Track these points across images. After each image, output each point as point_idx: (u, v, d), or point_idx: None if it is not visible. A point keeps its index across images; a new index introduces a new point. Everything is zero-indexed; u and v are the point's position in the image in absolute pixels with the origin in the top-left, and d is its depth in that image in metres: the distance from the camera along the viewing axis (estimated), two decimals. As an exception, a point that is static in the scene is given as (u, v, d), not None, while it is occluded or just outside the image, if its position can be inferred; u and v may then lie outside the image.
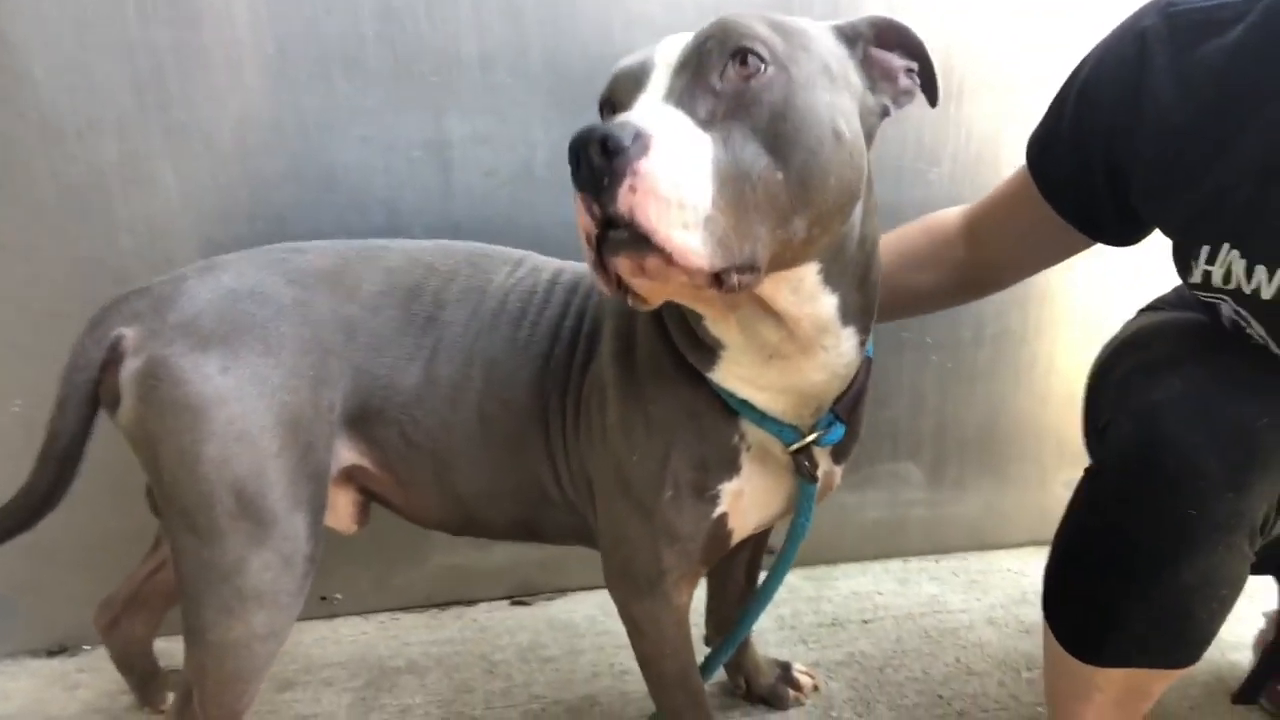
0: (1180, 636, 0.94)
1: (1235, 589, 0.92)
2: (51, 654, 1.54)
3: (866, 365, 0.97)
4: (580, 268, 1.10)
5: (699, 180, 0.66)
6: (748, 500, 0.97)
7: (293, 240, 1.11)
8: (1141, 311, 1.19)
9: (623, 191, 0.64)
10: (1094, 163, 0.99)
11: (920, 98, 0.87)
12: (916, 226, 1.20)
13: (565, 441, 1.04)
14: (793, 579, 1.70)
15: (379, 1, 1.27)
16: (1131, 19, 0.96)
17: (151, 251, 1.32)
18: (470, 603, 1.66)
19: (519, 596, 1.67)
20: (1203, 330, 0.99)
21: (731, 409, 0.92)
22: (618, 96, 0.77)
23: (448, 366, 1.05)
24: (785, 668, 1.39)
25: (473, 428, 1.06)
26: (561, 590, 1.67)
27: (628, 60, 0.79)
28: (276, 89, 1.29)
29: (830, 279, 0.83)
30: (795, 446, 0.93)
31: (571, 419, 1.03)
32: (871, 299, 0.91)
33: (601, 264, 0.69)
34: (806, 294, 0.82)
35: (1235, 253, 0.87)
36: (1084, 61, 1.01)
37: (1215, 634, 0.95)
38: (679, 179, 0.65)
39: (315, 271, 1.05)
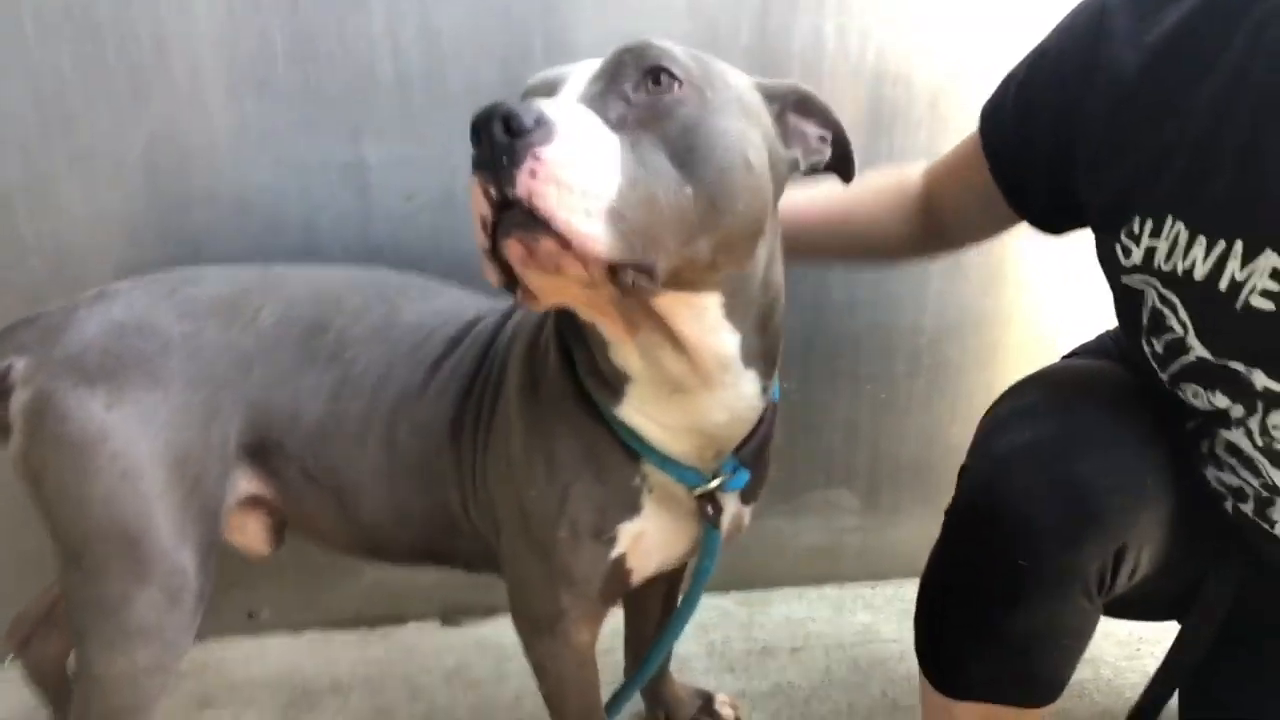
0: (1028, 678, 0.95)
1: (1079, 639, 0.94)
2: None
3: (772, 410, 0.96)
4: (501, 307, 1.09)
5: (603, 172, 0.66)
6: (650, 541, 0.96)
7: (208, 263, 1.09)
8: (1063, 358, 1.17)
9: (522, 174, 0.62)
10: (1038, 136, 0.98)
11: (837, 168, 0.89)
12: (887, 174, 1.17)
13: (474, 473, 1.03)
14: (726, 603, 1.69)
15: (290, 22, 1.23)
16: None
17: (60, 274, 1.30)
18: (400, 621, 1.65)
19: (450, 616, 1.66)
20: (1085, 378, 1.00)
21: (635, 452, 0.91)
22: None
23: (355, 402, 1.04)
24: (708, 699, 1.38)
25: (380, 462, 1.05)
26: (492, 610, 1.65)
27: (543, 72, 0.79)
28: (186, 110, 1.25)
29: (732, 315, 0.82)
30: (700, 491, 0.92)
31: (481, 450, 1.02)
32: (773, 345, 0.90)
33: (494, 252, 0.67)
34: (708, 325, 0.81)
35: (1180, 224, 0.85)
36: (1050, 31, 0.99)
37: (1067, 677, 0.97)
38: (583, 167, 0.64)
39: (208, 301, 1.03)
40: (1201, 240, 0.84)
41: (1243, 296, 0.82)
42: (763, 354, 0.88)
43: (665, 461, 0.91)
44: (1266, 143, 0.79)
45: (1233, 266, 0.82)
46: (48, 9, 1.18)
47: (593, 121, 0.68)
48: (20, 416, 0.96)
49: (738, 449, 0.93)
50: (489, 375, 1.03)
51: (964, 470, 0.99)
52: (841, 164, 0.89)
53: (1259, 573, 0.98)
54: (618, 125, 0.69)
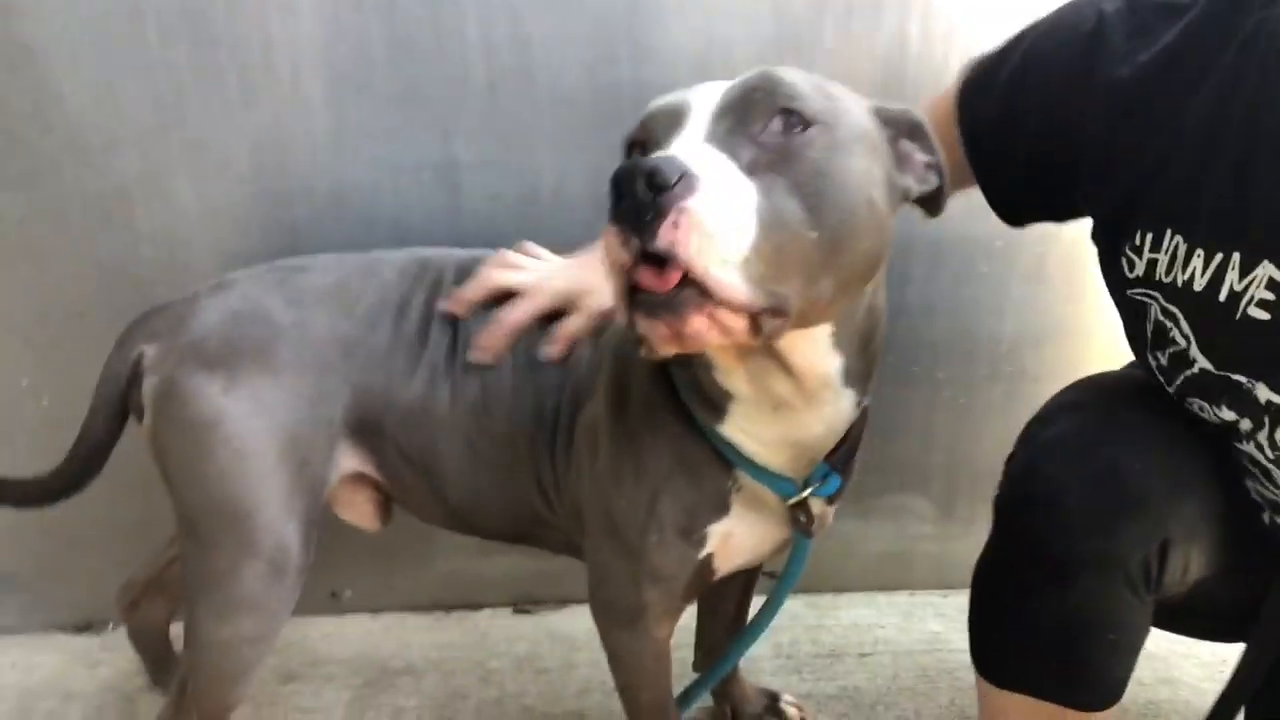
0: (1070, 673, 0.94)
1: (1125, 635, 0.93)
2: (78, 630, 1.63)
3: (863, 416, 0.97)
4: (569, 327, 1.08)
5: (742, 222, 0.66)
6: (738, 541, 0.98)
7: (304, 254, 1.15)
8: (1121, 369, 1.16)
9: (665, 227, 0.63)
10: (1023, 136, 0.98)
11: (928, 200, 0.86)
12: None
13: (556, 475, 1.06)
14: (795, 606, 1.69)
15: (389, 28, 1.29)
16: None
17: (170, 261, 1.38)
18: (475, 608, 1.69)
19: (522, 605, 1.70)
20: (1133, 383, 1.00)
21: (726, 459, 0.92)
22: (653, 136, 0.76)
23: (442, 389, 1.08)
24: (774, 698, 1.39)
25: (462, 451, 1.09)
26: (564, 601, 1.69)
27: (662, 100, 0.78)
28: (290, 110, 1.32)
29: (839, 341, 0.83)
30: (793, 501, 0.93)
31: (563, 456, 1.05)
32: (872, 365, 0.91)
33: (628, 298, 0.68)
34: (819, 352, 0.83)
35: (1179, 237, 0.86)
36: (1041, 20, 0.99)
37: (1119, 681, 0.96)
38: (724, 218, 0.65)
39: (314, 291, 1.09)
40: (1200, 253, 0.84)
41: (1241, 307, 0.82)
42: (861, 373, 0.89)
43: (760, 473, 0.92)
44: (1259, 155, 0.79)
45: (1231, 277, 0.83)
46: (167, 14, 1.26)
47: (729, 167, 0.68)
48: (150, 400, 1.03)
49: (829, 455, 0.93)
50: (575, 384, 1.05)
51: (1009, 460, 1.00)
52: (933, 201, 0.87)
53: None
54: (750, 170, 0.69)
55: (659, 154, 0.66)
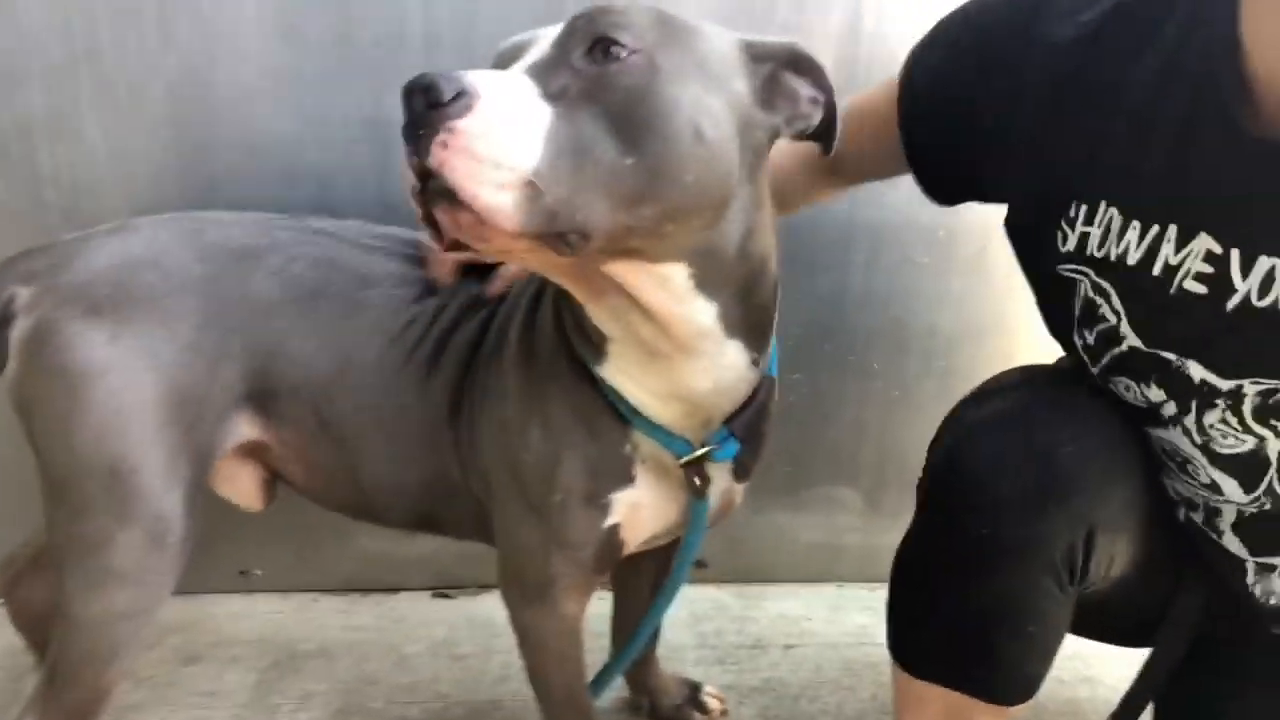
0: (986, 663, 0.92)
1: (1046, 630, 0.91)
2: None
3: (768, 384, 0.95)
4: (509, 269, 1.07)
5: (523, 144, 0.66)
6: (645, 512, 0.96)
7: (223, 208, 1.08)
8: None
9: (435, 145, 0.64)
10: (956, 82, 0.97)
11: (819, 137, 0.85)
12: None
13: (472, 434, 1.02)
14: (721, 595, 1.67)
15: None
16: None
17: (74, 207, 1.30)
18: (392, 590, 1.63)
19: (442, 588, 1.64)
20: (1064, 372, 1.00)
21: (624, 418, 0.90)
22: (498, 68, 0.76)
23: (367, 351, 1.03)
24: (694, 689, 1.36)
25: (384, 414, 1.04)
26: (485, 586, 1.63)
27: (519, 36, 0.79)
28: (212, 51, 1.25)
29: (704, 286, 0.81)
30: (685, 460, 0.91)
31: (478, 416, 1.01)
32: (761, 316, 0.89)
33: (429, 216, 0.69)
34: (676, 294, 0.80)
35: (1114, 210, 0.85)
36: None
37: (1035, 677, 0.94)
38: (498, 140, 0.65)
39: (235, 248, 1.02)
40: (1136, 225, 0.84)
41: (1176, 281, 0.82)
42: (749, 324, 0.87)
43: (653, 428, 0.90)
44: (1202, 124, 0.78)
45: (1166, 251, 0.82)
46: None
47: (524, 92, 0.69)
48: (20, 345, 0.94)
49: (729, 420, 0.91)
50: (491, 342, 1.02)
51: (933, 442, 0.98)
52: (826, 131, 0.85)
53: (1220, 589, 0.96)
54: (557, 96, 0.70)
55: (445, 71, 0.66)
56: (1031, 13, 0.90)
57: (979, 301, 1.53)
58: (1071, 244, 0.89)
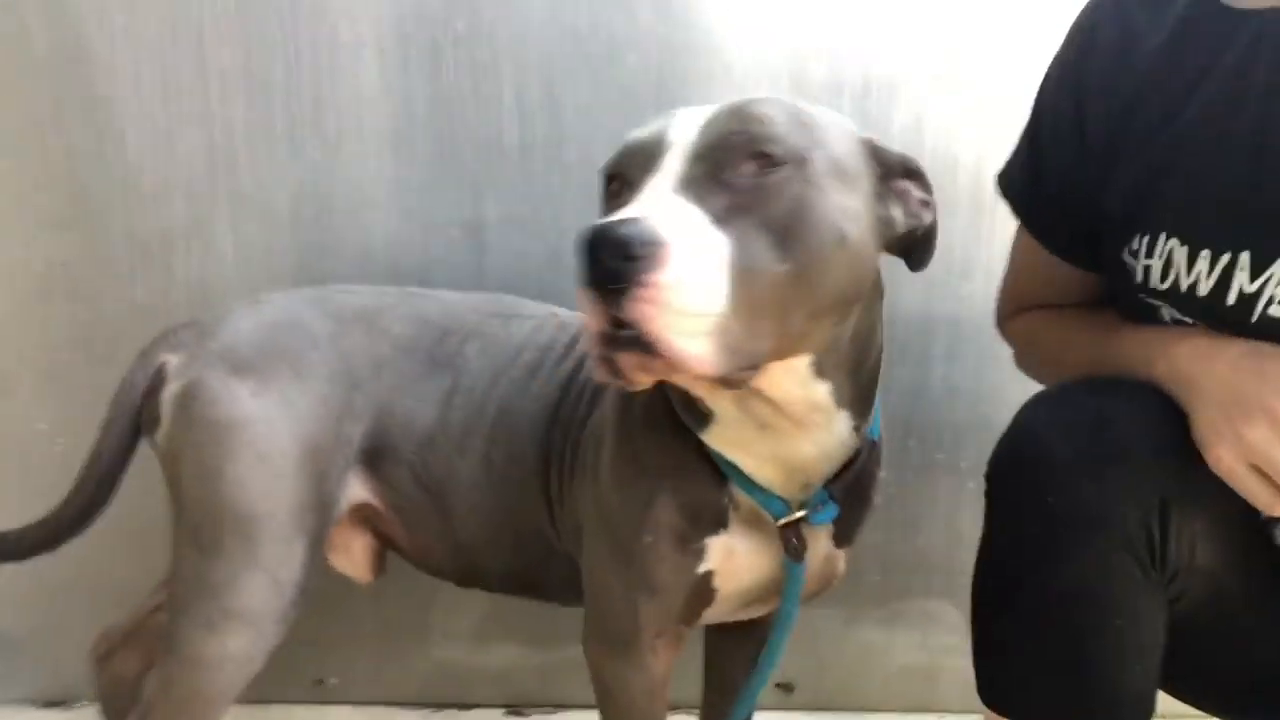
0: (1078, 670, 0.82)
1: (1135, 626, 0.82)
2: (50, 705, 1.54)
3: (870, 447, 0.94)
4: None
5: (714, 286, 0.67)
6: (739, 561, 0.93)
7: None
8: None
9: (633, 300, 0.64)
10: (1039, 142, 1.00)
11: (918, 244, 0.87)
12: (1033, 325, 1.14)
13: (563, 488, 1.04)
14: (811, 722, 1.55)
15: (432, 89, 1.38)
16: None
17: (203, 308, 1.40)
18: (465, 706, 1.58)
19: (516, 706, 1.58)
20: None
21: (722, 472, 0.90)
22: (628, 172, 0.77)
23: (461, 411, 1.08)
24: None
25: (478, 474, 1.07)
26: (560, 705, 1.57)
27: (640, 133, 0.80)
28: (332, 163, 1.39)
29: (822, 369, 0.82)
30: (784, 521, 0.89)
31: (570, 465, 1.03)
32: (866, 387, 0.89)
33: (604, 356, 0.69)
34: (797, 381, 0.81)
35: (1174, 241, 0.84)
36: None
37: (1138, 695, 0.83)
38: (693, 289, 0.65)
39: (354, 309, 1.11)
40: (1205, 254, 0.83)
41: (1259, 309, 0.80)
42: (856, 396, 0.87)
43: (751, 486, 0.89)
44: (1272, 152, 0.79)
45: (1240, 279, 0.81)
46: (230, 70, 1.36)
47: (700, 224, 0.68)
48: (171, 403, 1.03)
49: (829, 483, 0.90)
50: (580, 393, 1.05)
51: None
52: (929, 234, 0.86)
53: None
54: (723, 219, 0.69)
55: (630, 216, 0.66)
56: (1082, 54, 0.95)
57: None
58: (1139, 276, 0.89)
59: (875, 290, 0.86)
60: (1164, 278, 0.86)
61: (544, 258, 1.43)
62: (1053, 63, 1.01)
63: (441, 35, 1.36)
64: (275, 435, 1.01)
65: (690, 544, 0.91)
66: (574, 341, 1.10)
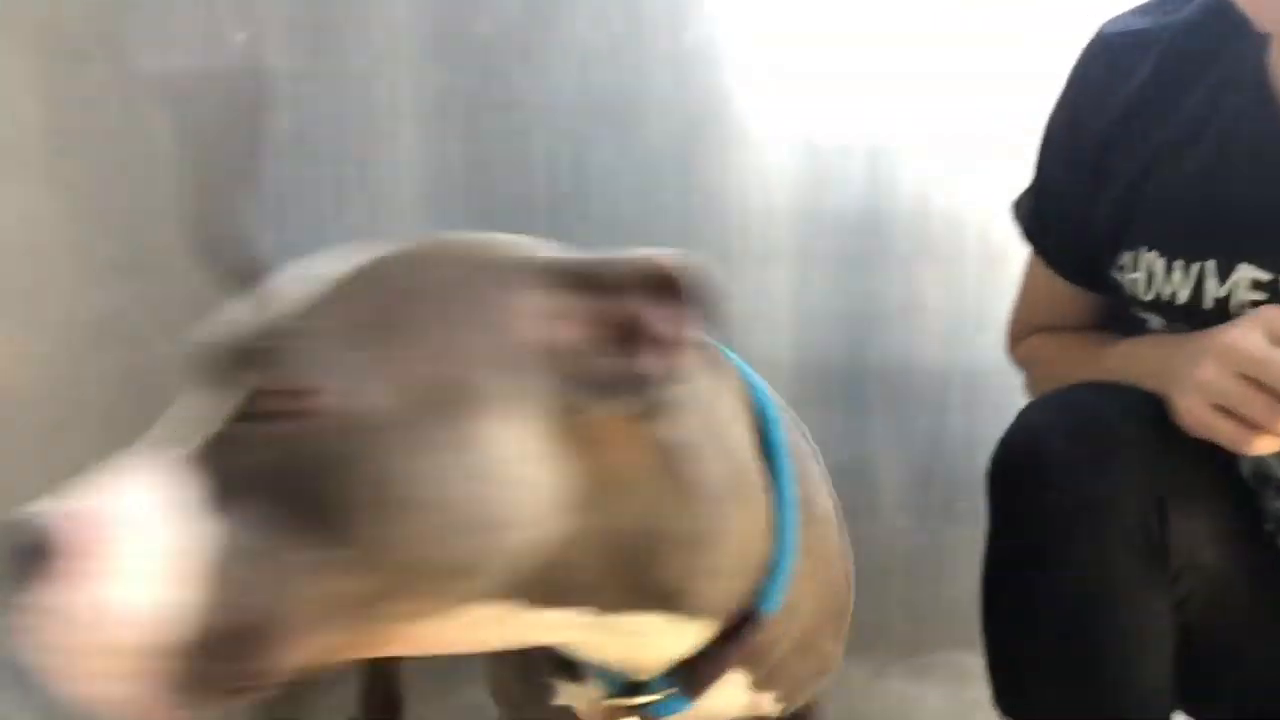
0: (1091, 669, 0.83)
1: (1142, 623, 0.83)
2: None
3: (753, 623, 0.66)
4: None
5: (148, 615, 0.44)
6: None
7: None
8: None
9: (38, 630, 0.43)
10: (1046, 173, 1.05)
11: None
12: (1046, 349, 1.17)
13: None
14: (840, 785, 1.51)
15: (470, 153, 1.47)
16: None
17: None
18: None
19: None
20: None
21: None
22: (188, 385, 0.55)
23: None
24: None
25: None
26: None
27: (208, 329, 0.56)
28: (376, 221, 1.48)
29: (554, 599, 0.56)
30: (612, 703, 0.67)
31: None
32: (680, 576, 0.60)
33: None
34: (527, 621, 0.56)
35: (1154, 254, 0.89)
36: None
37: (1149, 692, 0.84)
38: (105, 621, 0.43)
39: None
40: (1179, 264, 0.88)
41: (1231, 313, 0.85)
42: (654, 595, 0.60)
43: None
44: (1229, 161, 0.86)
45: (1210, 285, 0.86)
46: (281, 133, 1.46)
47: (167, 514, 0.45)
48: None
49: (678, 668, 0.66)
50: None
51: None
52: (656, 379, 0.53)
53: None
54: (224, 488, 0.46)
55: (35, 515, 0.45)
56: (1075, 93, 1.02)
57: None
58: (1128, 290, 0.95)
59: (669, 464, 0.57)
60: (1148, 289, 0.91)
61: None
62: (1058, 98, 1.08)
63: (477, 103, 1.47)
64: None
65: (533, 679, 0.75)
66: None
